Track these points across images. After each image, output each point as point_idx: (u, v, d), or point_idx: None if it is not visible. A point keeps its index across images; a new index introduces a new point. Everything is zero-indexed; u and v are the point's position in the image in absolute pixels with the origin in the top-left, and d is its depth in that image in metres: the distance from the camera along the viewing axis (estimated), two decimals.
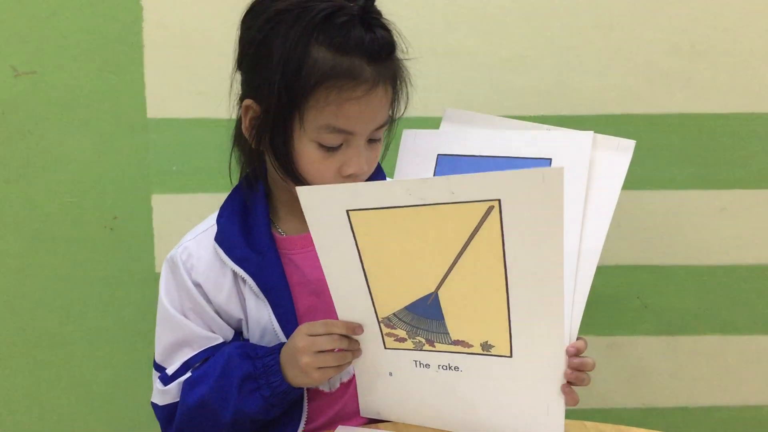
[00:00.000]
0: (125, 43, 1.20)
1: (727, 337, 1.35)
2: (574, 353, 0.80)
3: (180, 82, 1.22)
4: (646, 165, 1.28)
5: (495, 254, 0.70)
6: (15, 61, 1.20)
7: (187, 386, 0.88)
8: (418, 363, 0.82)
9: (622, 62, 1.24)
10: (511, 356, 0.77)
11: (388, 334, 0.81)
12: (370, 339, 0.82)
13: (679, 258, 1.32)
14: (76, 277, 1.27)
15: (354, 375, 0.89)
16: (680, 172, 1.29)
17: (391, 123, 0.89)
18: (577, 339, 0.82)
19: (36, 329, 1.29)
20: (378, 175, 0.93)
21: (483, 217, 0.68)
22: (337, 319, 0.82)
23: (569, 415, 0.80)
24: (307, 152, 0.84)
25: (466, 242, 0.70)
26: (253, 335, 0.91)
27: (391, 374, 0.84)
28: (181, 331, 0.90)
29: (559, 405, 0.79)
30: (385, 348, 0.82)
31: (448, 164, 0.91)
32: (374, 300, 0.78)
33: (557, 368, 0.77)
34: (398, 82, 0.87)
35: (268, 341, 0.90)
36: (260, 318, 0.90)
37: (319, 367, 0.81)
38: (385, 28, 0.83)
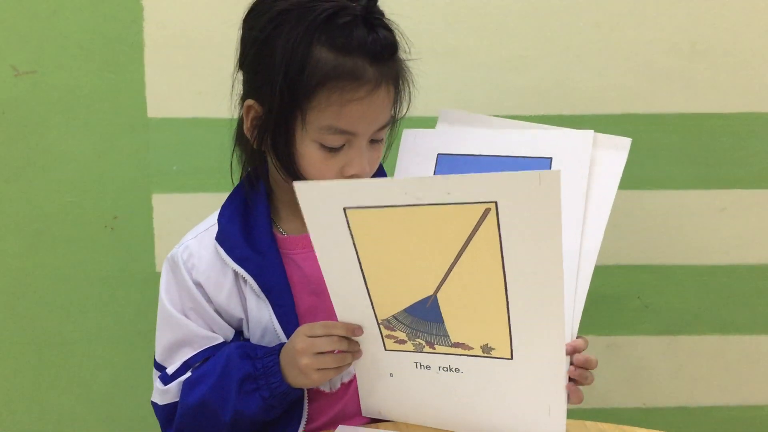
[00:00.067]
0: (126, 42, 1.20)
1: (727, 337, 1.35)
2: (570, 352, 0.80)
3: (180, 82, 1.22)
4: (646, 165, 1.28)
5: (493, 256, 0.70)
6: (15, 60, 1.20)
7: (187, 386, 0.88)
8: (418, 364, 0.82)
9: (622, 62, 1.24)
10: (511, 358, 0.77)
11: (388, 336, 0.81)
12: (370, 340, 0.82)
13: (679, 258, 1.32)
14: (76, 277, 1.27)
15: (355, 375, 0.89)
16: (680, 172, 1.29)
17: (393, 123, 0.89)
18: (578, 338, 0.83)
19: (36, 329, 1.29)
20: (379, 175, 0.93)
21: (480, 219, 0.67)
22: (337, 320, 0.82)
23: (569, 414, 0.80)
24: (308, 153, 0.84)
25: (464, 244, 0.70)
26: (254, 335, 0.91)
27: (391, 375, 0.84)
28: (182, 331, 0.90)
29: (560, 405, 0.79)
30: (386, 349, 0.82)
31: (448, 164, 0.91)
32: (373, 302, 0.78)
33: (558, 369, 0.77)
34: (400, 82, 0.87)
35: (269, 341, 0.90)
36: (261, 318, 0.90)
37: (319, 369, 0.81)
38: (388, 29, 0.83)
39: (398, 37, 0.84)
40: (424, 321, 0.78)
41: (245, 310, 0.91)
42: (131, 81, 1.22)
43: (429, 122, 0.97)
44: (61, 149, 1.23)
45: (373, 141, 0.86)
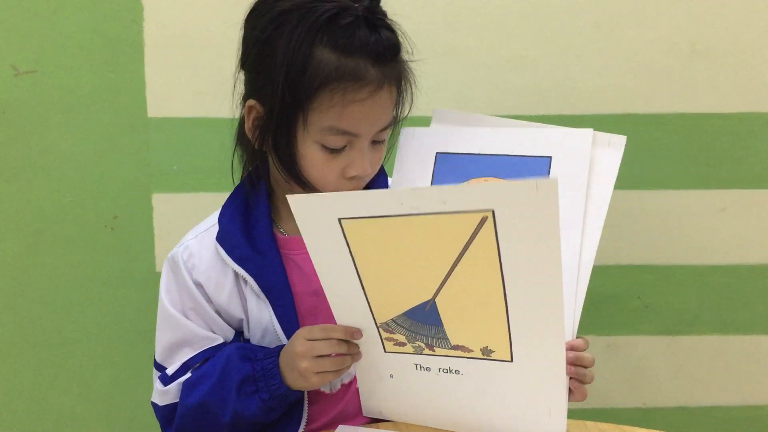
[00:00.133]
0: (126, 42, 1.20)
1: (727, 337, 1.35)
2: (567, 350, 0.80)
3: (180, 82, 1.22)
4: (646, 165, 1.28)
5: (491, 264, 0.69)
6: (15, 60, 1.20)
7: (186, 387, 0.88)
8: (418, 366, 0.82)
9: (622, 62, 1.24)
10: (511, 361, 0.77)
11: (388, 339, 0.81)
12: (370, 343, 0.82)
13: (679, 258, 1.32)
14: (76, 277, 1.27)
15: (355, 376, 0.89)
16: (680, 172, 1.29)
17: (395, 124, 0.89)
18: (577, 338, 0.83)
19: (36, 329, 1.29)
20: (380, 176, 0.93)
21: (477, 227, 0.67)
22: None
23: (569, 414, 0.80)
24: (310, 154, 0.83)
25: (461, 252, 0.69)
26: (254, 335, 0.91)
27: (392, 376, 0.84)
28: (181, 331, 0.90)
29: (561, 407, 0.79)
30: (385, 351, 0.82)
31: (446, 163, 0.91)
32: (371, 306, 0.78)
33: (559, 372, 0.77)
34: (403, 83, 0.87)
35: (269, 342, 0.90)
36: (261, 318, 0.90)
37: (318, 372, 0.81)
38: (390, 29, 0.83)
39: (401, 38, 0.84)
40: (423, 324, 0.77)
41: (245, 311, 0.90)
42: (131, 81, 1.22)
43: (428, 122, 0.97)
44: (61, 149, 1.23)
45: (375, 142, 0.86)
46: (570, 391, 0.81)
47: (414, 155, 0.93)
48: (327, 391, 0.92)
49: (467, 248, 0.69)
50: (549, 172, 0.86)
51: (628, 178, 1.27)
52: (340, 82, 0.79)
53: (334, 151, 0.83)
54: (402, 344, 0.80)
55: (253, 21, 0.85)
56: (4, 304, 1.28)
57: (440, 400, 0.83)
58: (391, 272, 0.74)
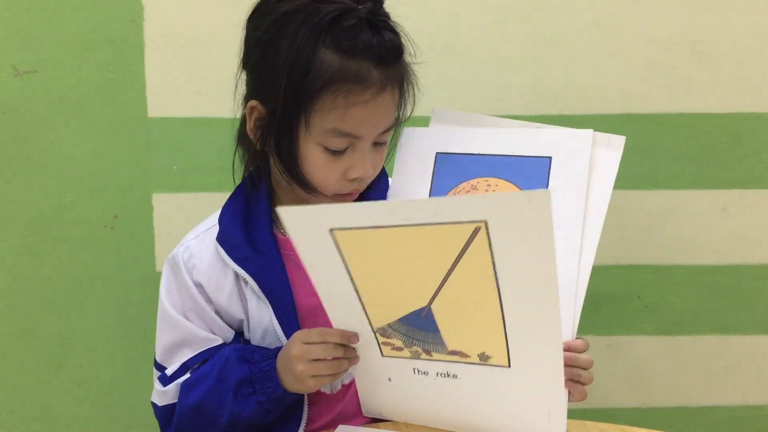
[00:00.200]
0: (126, 42, 1.20)
1: (727, 337, 1.35)
2: (565, 349, 0.80)
3: (181, 82, 1.22)
4: (646, 165, 1.28)
5: (486, 273, 0.69)
6: (15, 60, 1.20)
7: (185, 388, 0.88)
8: (416, 370, 0.82)
9: (622, 62, 1.24)
10: (509, 367, 0.77)
11: (385, 343, 0.80)
12: (367, 347, 0.81)
13: (679, 258, 1.32)
14: (76, 277, 1.27)
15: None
16: (680, 172, 1.29)
17: (397, 125, 0.89)
18: (577, 338, 0.83)
19: (36, 329, 1.29)
20: (381, 177, 0.93)
21: (470, 237, 0.66)
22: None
23: (569, 415, 0.80)
24: (312, 155, 0.83)
25: (455, 261, 0.69)
26: (255, 336, 0.91)
27: (390, 380, 0.84)
28: (181, 332, 0.90)
29: (560, 409, 0.79)
30: (383, 356, 0.82)
31: (446, 163, 0.91)
32: (367, 312, 0.77)
33: (557, 376, 0.76)
34: (405, 85, 0.86)
35: (270, 342, 0.90)
36: (262, 319, 0.89)
37: (314, 375, 0.80)
38: (393, 31, 0.82)
39: (403, 40, 0.84)
40: (419, 330, 0.77)
41: (246, 311, 0.90)
42: (131, 81, 1.22)
43: (428, 122, 0.97)
44: (61, 149, 1.23)
45: (377, 143, 0.86)
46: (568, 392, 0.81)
47: (414, 155, 0.93)
48: (327, 391, 0.92)
49: (461, 257, 0.68)
50: (549, 172, 0.86)
51: (628, 178, 1.27)
52: (342, 84, 0.79)
53: (336, 153, 0.83)
54: (399, 349, 0.80)
55: (255, 21, 0.84)
56: (4, 304, 1.28)
57: (439, 402, 0.83)
58: (385, 280, 0.74)
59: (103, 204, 1.25)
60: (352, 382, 0.92)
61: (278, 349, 0.85)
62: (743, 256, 1.32)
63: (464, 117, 0.93)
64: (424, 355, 0.79)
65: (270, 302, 0.88)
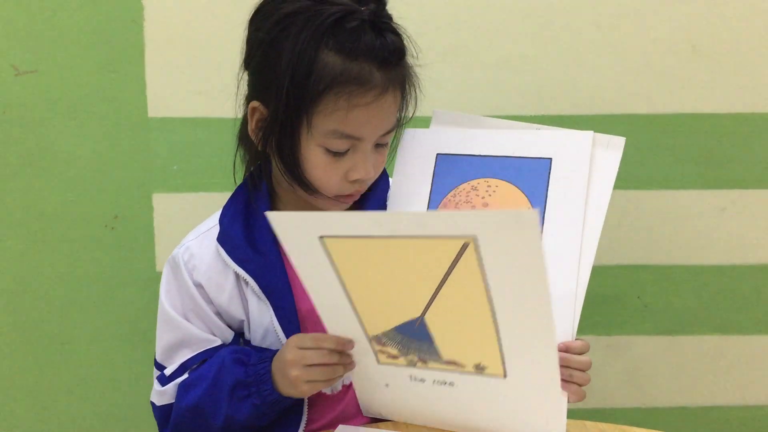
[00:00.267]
0: (126, 42, 1.20)
1: (727, 337, 1.35)
2: (562, 349, 0.80)
3: (181, 81, 1.22)
4: (646, 165, 1.28)
5: (476, 287, 0.68)
6: (15, 60, 1.20)
7: (182, 388, 0.88)
8: (413, 377, 0.82)
9: (622, 62, 1.24)
10: (505, 377, 0.77)
11: (380, 351, 0.80)
12: (363, 354, 0.81)
13: (679, 258, 1.32)
14: (76, 277, 1.27)
15: None
16: (680, 172, 1.29)
17: (398, 127, 0.89)
18: (577, 339, 0.83)
19: (36, 329, 1.29)
20: (382, 178, 0.93)
21: (459, 252, 0.66)
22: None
23: (569, 414, 0.80)
24: (313, 157, 0.83)
25: (446, 274, 0.69)
26: (255, 337, 0.91)
27: (387, 386, 0.84)
28: (181, 333, 0.90)
29: (559, 415, 0.79)
30: (379, 363, 0.82)
31: (447, 163, 0.91)
32: (362, 320, 0.77)
33: (554, 385, 0.76)
34: (407, 86, 0.86)
35: (270, 343, 0.90)
36: (262, 320, 0.89)
37: (308, 381, 0.80)
38: (396, 33, 0.82)
39: (406, 42, 0.84)
40: (414, 339, 0.77)
41: (246, 312, 0.90)
42: (131, 81, 1.22)
43: (428, 122, 0.97)
44: (61, 149, 1.23)
45: (378, 145, 0.86)
46: None
47: (415, 156, 0.93)
48: (328, 392, 0.92)
49: (451, 271, 0.68)
50: (549, 173, 0.86)
51: (628, 178, 1.27)
52: (345, 85, 0.79)
53: (338, 155, 0.83)
54: (395, 357, 0.80)
55: (257, 22, 0.84)
56: (5, 304, 1.28)
57: (437, 406, 0.83)
58: (377, 289, 0.73)
59: (103, 204, 1.25)
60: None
61: (274, 352, 0.85)
62: (743, 256, 1.32)
63: (464, 118, 0.93)
64: (420, 364, 0.79)
65: (271, 303, 0.88)
